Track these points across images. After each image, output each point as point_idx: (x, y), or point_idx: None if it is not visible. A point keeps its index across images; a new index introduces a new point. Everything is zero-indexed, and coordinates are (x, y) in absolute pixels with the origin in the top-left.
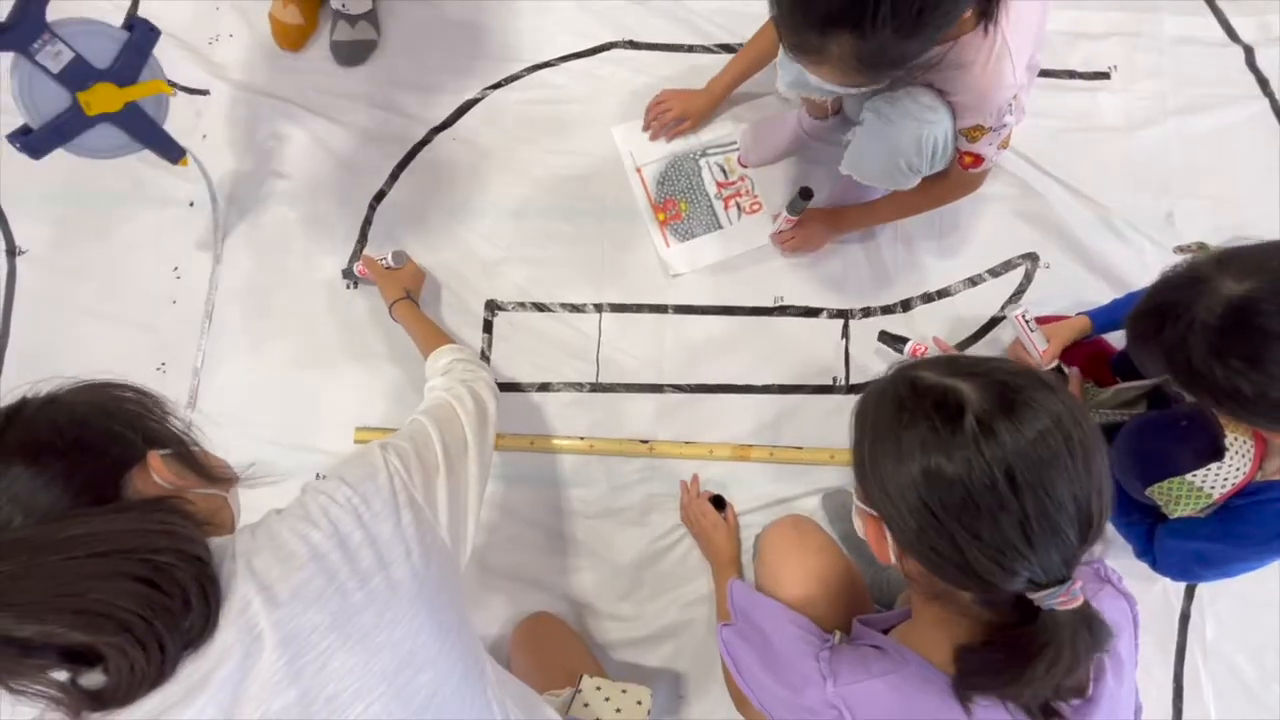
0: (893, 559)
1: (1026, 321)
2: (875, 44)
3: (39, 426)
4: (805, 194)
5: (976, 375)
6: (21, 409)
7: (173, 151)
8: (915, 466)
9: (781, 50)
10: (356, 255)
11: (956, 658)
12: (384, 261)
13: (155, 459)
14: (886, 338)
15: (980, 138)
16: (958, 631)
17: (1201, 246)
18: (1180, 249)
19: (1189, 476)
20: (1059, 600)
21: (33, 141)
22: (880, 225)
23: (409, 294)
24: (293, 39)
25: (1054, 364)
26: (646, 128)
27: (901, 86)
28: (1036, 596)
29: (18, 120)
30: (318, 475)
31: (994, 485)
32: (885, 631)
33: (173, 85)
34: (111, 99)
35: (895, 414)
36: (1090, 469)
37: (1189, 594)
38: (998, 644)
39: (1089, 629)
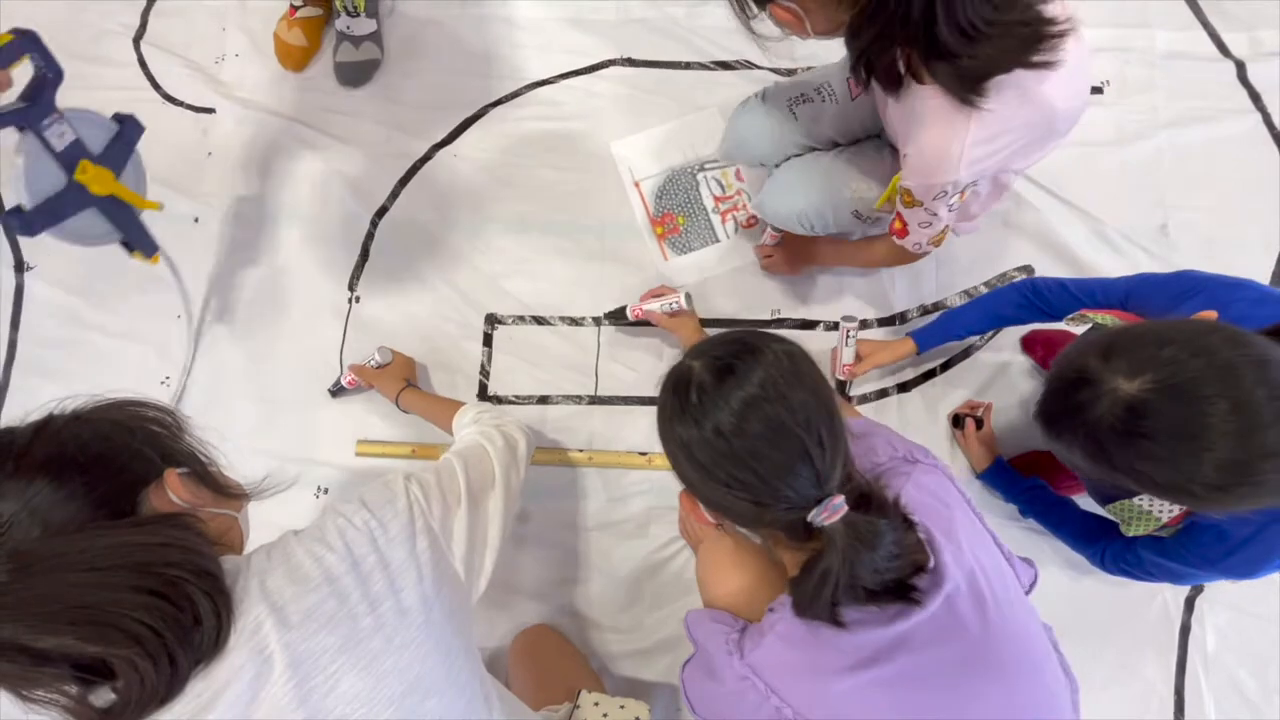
0: (709, 518)
1: (849, 333)
2: None
3: (64, 442)
4: None
5: (705, 355)
6: (48, 424)
7: (148, 246)
8: (676, 438)
9: (729, 125)
10: (359, 270)
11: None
12: (371, 362)
13: (172, 477)
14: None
15: (911, 205)
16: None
17: (1082, 315)
18: (1070, 320)
19: (1136, 500)
20: (823, 516)
21: (29, 218)
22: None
23: (409, 382)
24: (296, 59)
25: (852, 376)
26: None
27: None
28: (809, 517)
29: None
30: (319, 488)
31: (715, 442)
32: None
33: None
34: (104, 182)
35: (661, 395)
36: (792, 407)
37: (1189, 606)
38: (806, 565)
39: (856, 534)
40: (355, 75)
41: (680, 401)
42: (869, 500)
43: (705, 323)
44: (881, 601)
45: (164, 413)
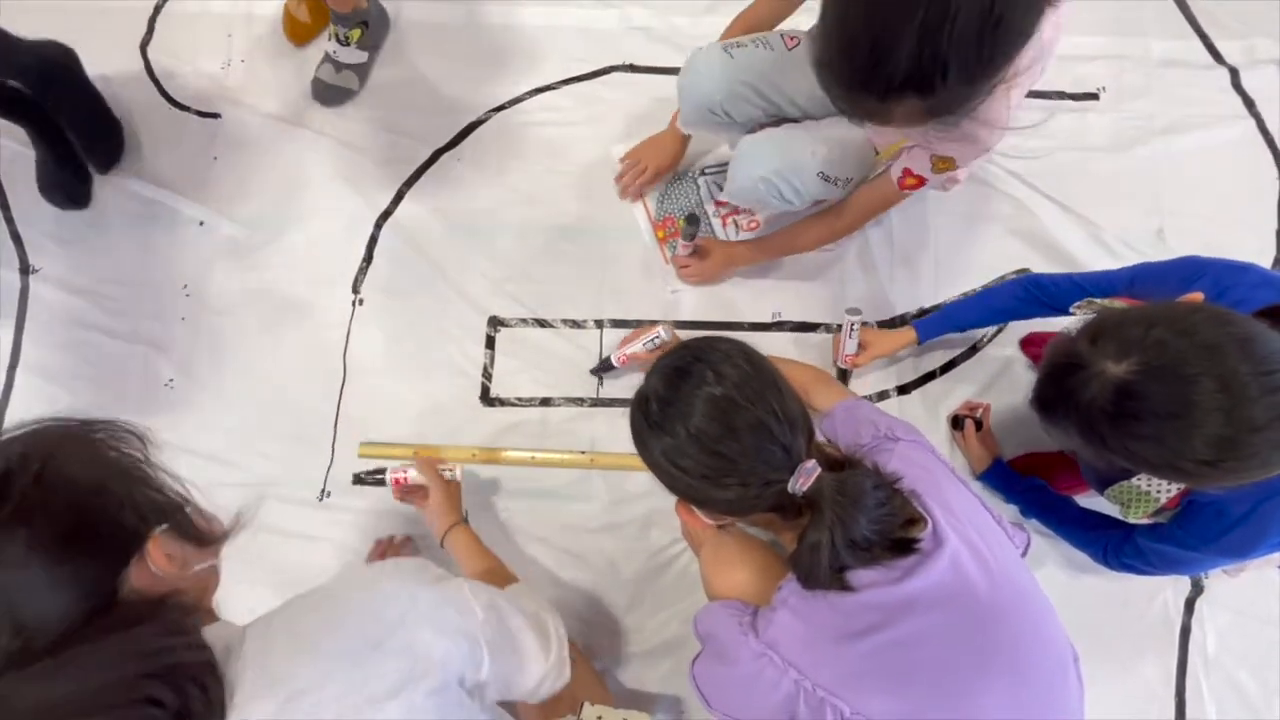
0: (708, 522)
1: (852, 325)
2: (944, 98)
3: (36, 517)
4: (692, 220)
5: (657, 369)
6: (8, 484)
7: None
8: (653, 451)
9: (680, 90)
10: (363, 273)
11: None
12: (401, 475)
13: (155, 549)
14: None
15: (945, 170)
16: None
17: (1090, 302)
18: (1077, 307)
19: (1135, 481)
20: (799, 482)
21: None
22: (846, 238)
23: (460, 517)
24: (298, 33)
25: (855, 366)
26: (624, 194)
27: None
28: (789, 487)
29: None
30: (323, 490)
31: (687, 444)
32: None
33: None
34: None
35: (630, 419)
36: (745, 392)
37: (1189, 608)
38: (801, 537)
39: (840, 490)
40: (325, 95)
41: (645, 417)
42: (843, 466)
43: (705, 326)
44: (885, 558)
45: (128, 452)
